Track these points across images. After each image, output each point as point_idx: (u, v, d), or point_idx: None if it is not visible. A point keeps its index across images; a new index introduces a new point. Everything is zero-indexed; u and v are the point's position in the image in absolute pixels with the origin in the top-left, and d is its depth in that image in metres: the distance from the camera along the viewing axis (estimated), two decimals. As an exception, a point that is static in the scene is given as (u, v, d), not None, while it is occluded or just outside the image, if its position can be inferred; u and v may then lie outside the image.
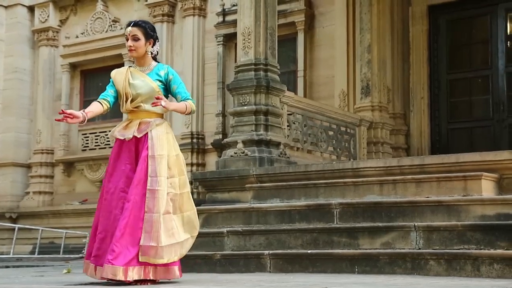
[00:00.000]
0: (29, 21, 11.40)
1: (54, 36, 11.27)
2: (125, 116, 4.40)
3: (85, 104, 11.02)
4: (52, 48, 11.26)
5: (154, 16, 10.18)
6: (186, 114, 4.11)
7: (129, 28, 3.97)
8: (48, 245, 9.96)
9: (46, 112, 11.18)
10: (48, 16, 11.24)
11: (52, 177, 11.08)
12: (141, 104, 3.94)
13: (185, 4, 9.94)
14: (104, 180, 3.96)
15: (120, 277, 3.62)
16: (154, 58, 4.07)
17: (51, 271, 5.89)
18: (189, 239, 3.91)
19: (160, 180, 3.79)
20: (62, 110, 3.79)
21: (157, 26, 10.15)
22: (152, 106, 3.86)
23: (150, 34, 3.99)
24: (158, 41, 4.05)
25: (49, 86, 11.24)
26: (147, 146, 3.85)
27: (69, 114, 3.77)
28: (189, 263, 5.14)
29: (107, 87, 4.05)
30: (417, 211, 4.85)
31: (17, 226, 9.87)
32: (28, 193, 11.00)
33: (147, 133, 3.88)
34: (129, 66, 4.08)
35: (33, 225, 10.04)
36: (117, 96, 4.01)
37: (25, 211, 10.82)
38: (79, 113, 3.80)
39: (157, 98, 3.80)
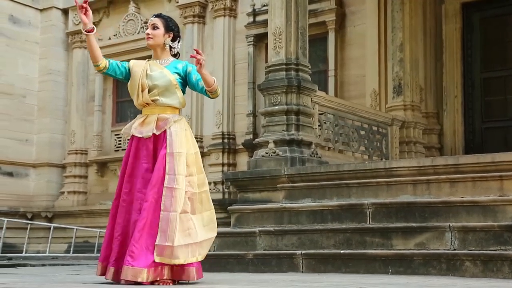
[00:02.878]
0: (63, 24, 11.61)
1: (87, 38, 11.44)
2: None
3: (117, 105, 11.19)
4: (85, 50, 11.42)
5: (185, 17, 10.26)
6: (210, 91, 3.84)
7: (152, 18, 3.93)
8: (83, 244, 10.12)
9: (80, 113, 11.37)
10: (81, 19, 11.42)
11: (86, 177, 11.26)
12: (158, 97, 3.80)
13: (215, 5, 10.00)
14: (120, 179, 3.82)
15: (142, 278, 3.51)
16: (174, 56, 3.96)
17: (86, 270, 5.99)
18: (209, 239, 3.78)
19: (178, 178, 3.67)
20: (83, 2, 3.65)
21: (188, 27, 10.26)
22: (190, 57, 3.70)
23: (171, 27, 3.90)
24: (180, 40, 3.95)
25: (82, 87, 11.43)
26: (166, 144, 3.72)
27: (88, 10, 3.67)
28: (221, 263, 5.18)
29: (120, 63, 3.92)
30: (451, 212, 4.79)
31: (52, 225, 10.06)
32: (63, 193, 11.20)
33: (165, 130, 3.75)
34: (148, 60, 3.95)
35: (68, 225, 10.22)
36: (122, 73, 3.86)
37: (60, 211, 11.02)
38: (91, 21, 3.69)
39: (197, 52, 3.63)
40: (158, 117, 3.79)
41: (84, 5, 3.71)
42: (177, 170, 3.67)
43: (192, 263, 3.66)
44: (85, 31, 3.74)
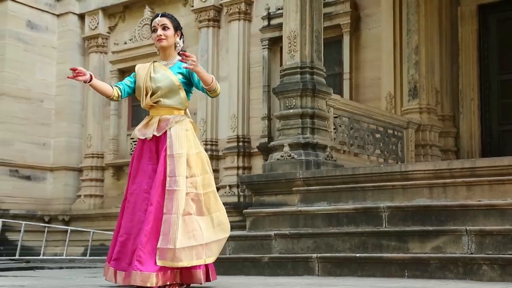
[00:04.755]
0: (80, 29, 11.73)
1: (104, 43, 11.56)
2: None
3: (133, 109, 11.26)
4: (101, 55, 11.56)
5: (200, 21, 10.31)
6: (209, 90, 3.77)
7: (158, 18, 3.88)
8: (99, 247, 10.19)
9: (97, 117, 11.47)
10: (97, 24, 11.54)
11: (102, 180, 11.35)
12: (161, 99, 3.78)
13: (230, 9, 10.03)
14: (128, 181, 3.82)
15: (151, 283, 3.47)
16: (178, 53, 3.91)
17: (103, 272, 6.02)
18: (219, 241, 3.70)
19: (179, 180, 3.61)
20: (72, 68, 3.68)
21: (203, 31, 10.31)
22: (180, 61, 3.67)
23: (178, 26, 3.91)
24: (183, 36, 3.95)
25: (99, 91, 11.51)
26: (166, 146, 3.69)
27: (79, 71, 3.67)
28: (237, 266, 5.19)
29: (125, 78, 3.94)
30: (468, 215, 4.76)
31: (69, 228, 10.14)
32: (79, 196, 11.30)
33: (166, 131, 3.73)
34: (154, 61, 3.93)
35: (84, 228, 10.29)
36: (134, 89, 3.87)
37: (76, 214, 11.11)
38: (86, 72, 3.71)
39: (186, 56, 3.57)
40: (160, 118, 3.77)
41: (74, 74, 3.71)
42: (178, 171, 3.63)
43: (199, 265, 3.60)
44: (86, 83, 3.76)
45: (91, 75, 3.73)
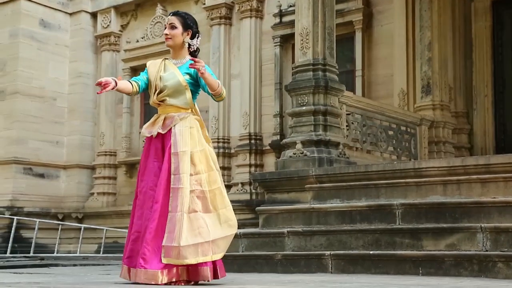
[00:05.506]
0: (92, 27, 11.78)
1: (116, 41, 11.61)
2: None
3: (145, 107, 11.30)
4: (114, 53, 11.60)
5: (212, 19, 10.32)
6: (214, 94, 3.78)
7: (169, 17, 3.88)
8: (112, 244, 10.25)
9: (109, 115, 11.52)
10: (110, 22, 11.59)
11: (115, 178, 11.40)
12: (166, 98, 3.79)
13: (242, 6, 10.03)
14: (137, 179, 3.84)
15: (156, 281, 3.49)
16: (192, 54, 3.89)
17: (116, 270, 6.05)
18: (227, 237, 3.68)
19: (182, 178, 3.61)
20: (97, 83, 3.69)
21: (215, 29, 10.31)
22: (189, 67, 3.66)
23: (189, 25, 3.84)
24: (199, 36, 3.89)
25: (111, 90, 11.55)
26: (170, 143, 3.71)
27: (105, 83, 3.67)
28: (250, 263, 5.20)
29: (141, 74, 3.94)
30: (483, 212, 4.73)
31: (83, 226, 10.22)
32: (92, 194, 11.36)
33: (171, 128, 3.73)
34: (165, 58, 3.92)
35: (97, 225, 10.36)
36: (149, 85, 3.89)
37: (90, 212, 11.17)
38: (110, 80, 3.71)
39: (195, 62, 3.57)
40: (166, 116, 3.79)
41: (101, 87, 3.71)
42: (181, 169, 3.63)
43: (205, 262, 3.59)
44: (113, 89, 3.77)
45: (115, 81, 3.76)
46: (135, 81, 3.89)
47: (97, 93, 3.84)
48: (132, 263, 3.64)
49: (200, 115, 3.94)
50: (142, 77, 3.91)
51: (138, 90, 3.88)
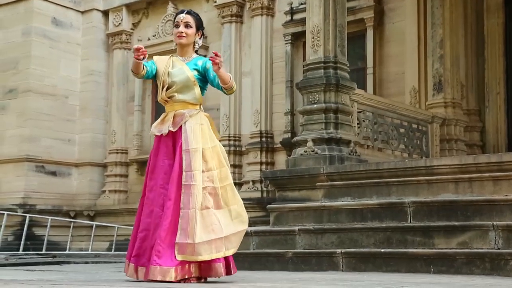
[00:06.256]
0: (104, 25, 11.84)
1: (127, 39, 11.65)
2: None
3: (157, 104, 11.31)
4: (125, 51, 11.65)
5: (223, 17, 10.33)
6: (226, 88, 3.81)
7: (183, 15, 3.89)
8: (124, 242, 10.28)
9: (120, 113, 11.58)
10: (121, 20, 11.64)
11: (126, 176, 11.46)
12: (175, 94, 3.80)
13: (253, 4, 10.03)
14: (145, 177, 3.85)
15: (170, 277, 3.50)
16: (196, 52, 3.96)
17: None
18: (239, 233, 3.69)
19: (195, 175, 3.62)
20: (137, 47, 3.66)
21: (226, 27, 10.32)
22: (210, 59, 3.68)
23: (201, 26, 3.93)
24: (203, 36, 3.98)
25: (123, 88, 11.63)
26: (181, 140, 3.71)
27: (143, 50, 3.68)
28: (261, 261, 5.21)
29: (149, 62, 3.91)
30: (495, 210, 4.70)
31: (94, 223, 10.27)
32: (104, 191, 11.42)
33: (182, 126, 3.74)
34: (172, 55, 3.95)
35: (109, 223, 10.41)
36: (154, 75, 3.90)
37: (101, 209, 11.23)
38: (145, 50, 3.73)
39: (216, 55, 3.60)
40: (175, 113, 3.79)
41: (139, 53, 3.70)
42: (193, 166, 3.64)
43: (218, 258, 3.61)
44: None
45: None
46: (145, 66, 3.88)
47: (134, 57, 3.75)
48: (140, 262, 3.66)
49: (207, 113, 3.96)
50: (151, 65, 3.90)
51: (147, 71, 3.87)
